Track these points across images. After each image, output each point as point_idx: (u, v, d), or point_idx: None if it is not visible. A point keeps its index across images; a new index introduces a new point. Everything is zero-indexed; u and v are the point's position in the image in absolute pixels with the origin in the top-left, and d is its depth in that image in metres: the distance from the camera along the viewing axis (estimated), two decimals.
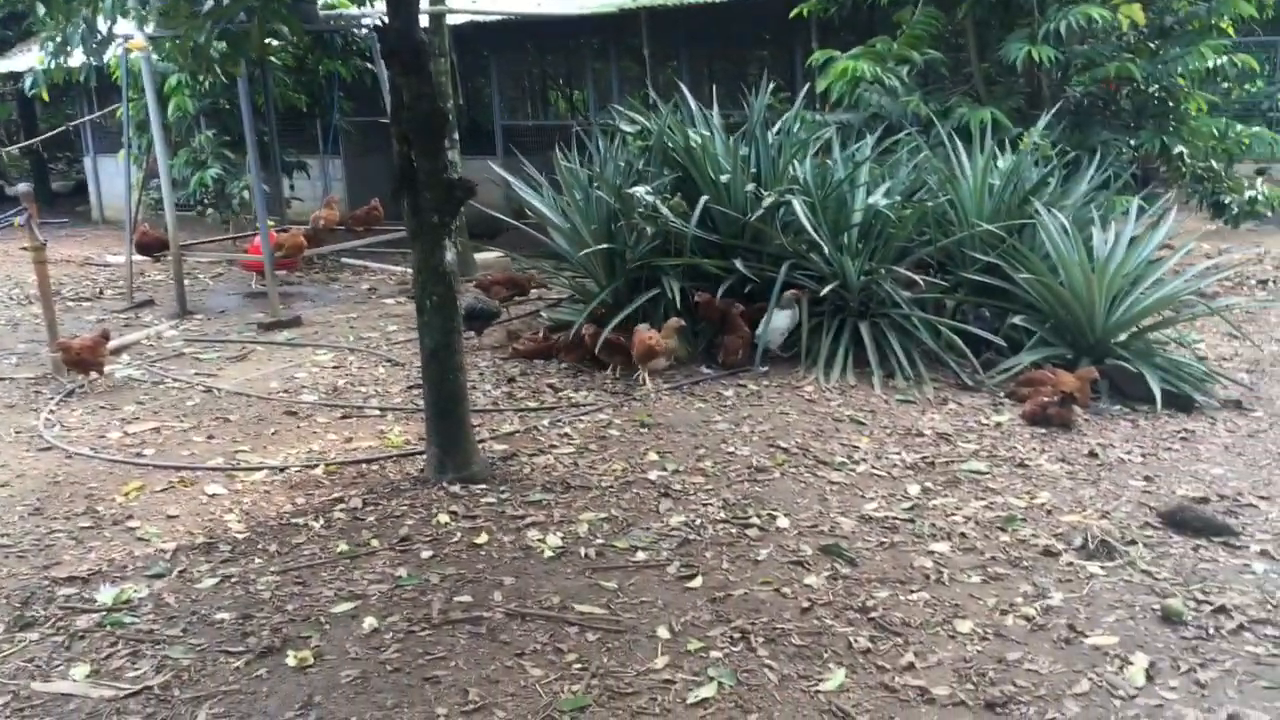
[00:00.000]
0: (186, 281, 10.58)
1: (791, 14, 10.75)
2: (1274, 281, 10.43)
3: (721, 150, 7.65)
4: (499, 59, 16.55)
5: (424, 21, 10.26)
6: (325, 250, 11.40)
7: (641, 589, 4.12)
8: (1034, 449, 5.53)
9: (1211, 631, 3.68)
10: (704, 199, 7.27)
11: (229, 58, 6.74)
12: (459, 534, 4.66)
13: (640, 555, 4.41)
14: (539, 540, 4.56)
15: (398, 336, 8.63)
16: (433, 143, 5.02)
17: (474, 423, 5.84)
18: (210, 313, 10.23)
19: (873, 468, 5.31)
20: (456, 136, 11.28)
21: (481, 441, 5.75)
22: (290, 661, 3.64)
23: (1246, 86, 12.23)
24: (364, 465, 5.63)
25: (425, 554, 4.48)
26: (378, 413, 6.59)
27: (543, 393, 6.81)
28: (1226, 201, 9.96)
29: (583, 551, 4.45)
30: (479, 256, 11.97)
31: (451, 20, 12.23)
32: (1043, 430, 5.79)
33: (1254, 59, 9.95)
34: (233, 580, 4.31)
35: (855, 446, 5.60)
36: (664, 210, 7.07)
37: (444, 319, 5.21)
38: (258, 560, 4.49)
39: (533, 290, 9.06)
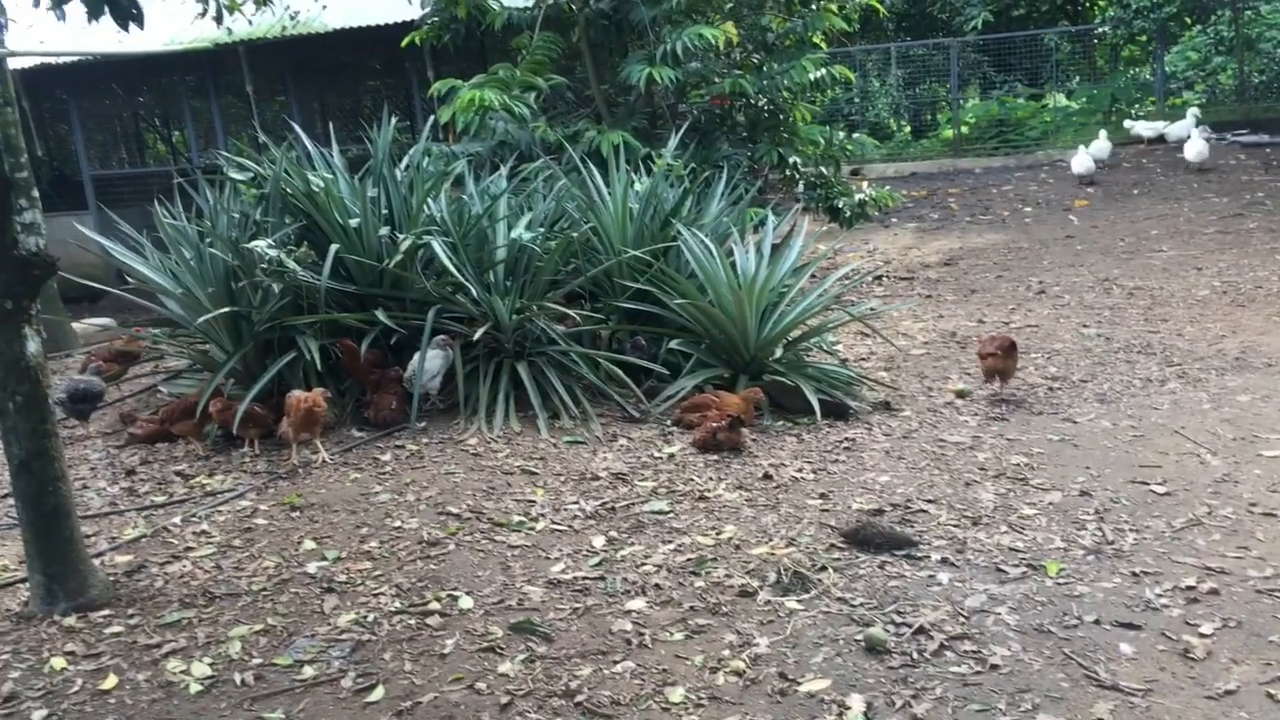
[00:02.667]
0: None
1: (404, 42, 10.36)
2: (886, 277, 11.20)
3: (347, 192, 7.06)
4: (82, 103, 14.90)
5: None
6: None
7: (314, 714, 3.55)
8: (711, 478, 5.41)
9: (916, 657, 3.62)
10: (334, 248, 6.63)
11: None
12: (80, 681, 3.86)
13: (308, 671, 3.82)
14: (182, 672, 3.85)
15: None
16: None
17: (88, 533, 4.99)
18: None
19: (553, 523, 4.96)
20: (36, 194, 9.91)
21: (99, 555, 4.89)
22: None
23: (828, 94, 13.13)
24: None
25: (37, 715, 3.66)
26: None
27: (171, 483, 5.95)
28: (840, 205, 10.56)
29: (238, 678, 3.80)
30: (80, 326, 10.61)
31: (17, 64, 10.77)
32: (715, 457, 5.69)
33: (848, 69, 10.60)
34: None
35: (531, 501, 5.24)
36: (290, 263, 6.39)
37: (34, 421, 4.35)
38: None
39: (148, 362, 8.04)
